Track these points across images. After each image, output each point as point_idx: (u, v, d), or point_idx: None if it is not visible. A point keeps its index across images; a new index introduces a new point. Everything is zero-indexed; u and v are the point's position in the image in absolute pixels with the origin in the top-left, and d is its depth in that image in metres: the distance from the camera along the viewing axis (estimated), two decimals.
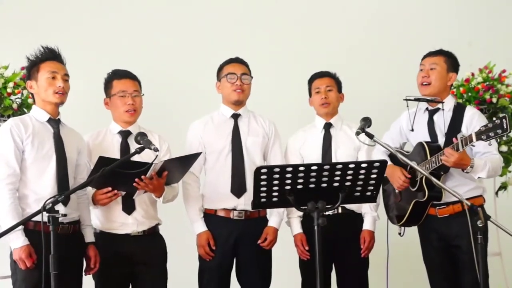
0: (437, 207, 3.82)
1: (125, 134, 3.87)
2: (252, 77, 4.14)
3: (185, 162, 3.77)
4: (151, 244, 3.82)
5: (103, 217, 3.79)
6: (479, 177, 3.70)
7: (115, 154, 3.78)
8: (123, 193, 3.70)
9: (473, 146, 3.55)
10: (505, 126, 3.35)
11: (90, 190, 3.70)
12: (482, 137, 3.42)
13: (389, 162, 3.91)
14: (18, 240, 3.39)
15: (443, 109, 3.88)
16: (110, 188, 3.62)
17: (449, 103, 3.91)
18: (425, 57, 3.99)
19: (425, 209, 3.85)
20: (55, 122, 3.61)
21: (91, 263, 3.69)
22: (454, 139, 3.61)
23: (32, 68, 3.61)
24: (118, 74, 3.92)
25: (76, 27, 5.59)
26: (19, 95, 4.66)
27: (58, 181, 3.53)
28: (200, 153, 3.89)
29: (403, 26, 5.85)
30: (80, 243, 3.67)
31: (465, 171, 3.65)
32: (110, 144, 3.86)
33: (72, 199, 3.59)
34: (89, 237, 3.72)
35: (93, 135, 3.90)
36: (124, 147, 3.83)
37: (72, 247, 3.52)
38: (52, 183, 3.52)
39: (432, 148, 3.79)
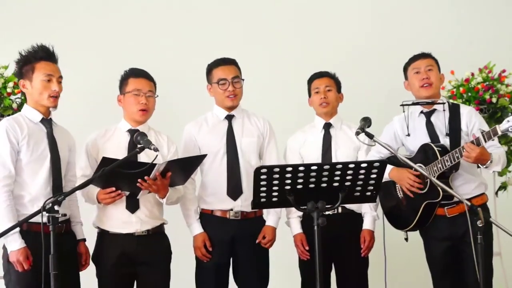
0: (446, 207, 3.80)
1: (133, 133, 3.81)
2: (243, 79, 4.11)
3: (189, 164, 3.77)
4: (155, 244, 3.81)
5: (106, 216, 3.78)
6: (493, 171, 3.73)
7: (122, 152, 3.76)
8: (127, 193, 3.70)
9: (493, 140, 3.56)
10: None
11: (94, 188, 3.70)
12: (510, 129, 3.43)
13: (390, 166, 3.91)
14: (16, 243, 3.39)
15: (444, 110, 3.88)
16: (113, 188, 3.63)
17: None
18: (414, 60, 4.00)
19: (433, 211, 3.82)
20: (47, 122, 3.60)
21: (82, 260, 3.71)
22: (473, 134, 3.64)
23: (25, 66, 3.57)
24: (135, 73, 3.91)
25: (75, 27, 5.59)
26: (19, 95, 4.66)
27: (53, 181, 3.53)
28: (205, 155, 3.86)
29: (402, 26, 5.84)
30: (73, 241, 3.68)
31: (484, 166, 3.65)
32: (118, 142, 3.84)
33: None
34: (80, 234, 3.73)
35: (101, 133, 3.89)
36: (132, 146, 3.78)
37: (66, 245, 3.51)
38: (46, 183, 3.52)
39: (439, 148, 3.78)
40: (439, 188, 3.72)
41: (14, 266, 3.41)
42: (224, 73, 4.06)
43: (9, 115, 4.53)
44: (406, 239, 4.00)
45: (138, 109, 3.83)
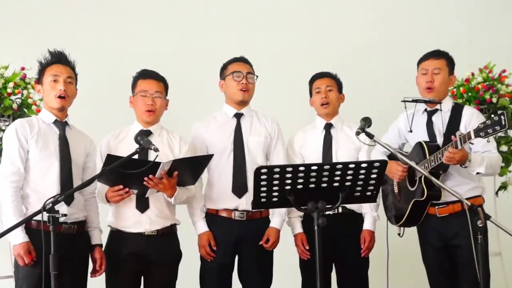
0: (437, 207, 3.82)
1: (145, 134, 3.81)
2: (257, 76, 4.13)
3: (196, 164, 3.77)
4: (165, 244, 3.81)
5: (118, 215, 3.81)
6: (477, 173, 3.69)
7: None
8: (135, 191, 3.71)
9: (472, 143, 3.54)
10: (503, 123, 3.34)
11: (104, 187, 3.72)
12: (481, 134, 3.41)
13: None
14: (18, 237, 3.42)
15: (441, 110, 3.88)
16: (121, 186, 3.64)
17: (448, 104, 3.92)
18: (425, 59, 3.96)
19: (424, 209, 3.85)
20: (61, 124, 3.65)
21: (96, 266, 3.71)
22: (452, 137, 3.61)
23: (40, 72, 3.67)
24: (144, 74, 3.95)
25: (76, 28, 5.60)
26: (19, 95, 4.67)
27: (61, 181, 3.56)
28: (212, 155, 3.87)
29: (403, 26, 5.85)
30: (85, 244, 3.69)
31: (463, 165, 3.65)
32: (130, 143, 3.83)
33: (77, 199, 3.61)
34: (96, 239, 3.74)
35: (115, 134, 3.94)
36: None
37: (76, 247, 3.54)
38: (55, 183, 3.54)
39: (430, 148, 3.80)
40: (424, 187, 3.75)
41: (17, 260, 3.44)
42: (239, 67, 4.10)
43: (9, 115, 4.56)
44: (399, 234, 4.02)
45: (144, 110, 3.86)
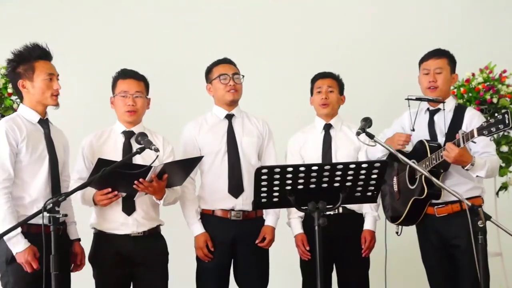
0: (436, 206, 3.82)
1: (128, 135, 3.85)
2: (243, 76, 4.13)
3: (186, 165, 3.77)
4: (152, 245, 3.81)
5: (103, 217, 3.78)
6: (477, 176, 3.70)
7: (118, 154, 3.77)
8: (124, 194, 3.69)
9: (474, 142, 3.55)
10: (507, 121, 3.34)
11: (90, 190, 3.70)
12: (484, 132, 3.42)
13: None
14: (20, 244, 3.38)
15: (443, 109, 3.88)
16: (110, 189, 3.62)
17: (450, 103, 3.93)
18: (427, 59, 3.96)
19: (423, 208, 3.85)
20: (45, 122, 3.59)
21: (77, 260, 3.70)
22: (456, 135, 3.61)
23: (23, 65, 3.53)
24: (123, 74, 3.91)
25: (75, 27, 5.61)
26: None
27: (52, 181, 3.53)
28: (202, 156, 3.87)
29: (403, 26, 5.84)
30: (66, 242, 3.65)
31: (465, 168, 3.65)
32: (113, 144, 3.85)
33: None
34: (74, 234, 3.72)
35: (97, 135, 3.90)
36: (127, 147, 3.80)
37: (62, 246, 3.46)
38: (45, 184, 3.51)
39: (432, 146, 3.80)
40: (424, 186, 3.75)
41: (24, 267, 3.38)
42: (225, 69, 4.10)
43: (9, 115, 4.54)
44: (397, 233, 4.01)
45: (125, 111, 3.84)
